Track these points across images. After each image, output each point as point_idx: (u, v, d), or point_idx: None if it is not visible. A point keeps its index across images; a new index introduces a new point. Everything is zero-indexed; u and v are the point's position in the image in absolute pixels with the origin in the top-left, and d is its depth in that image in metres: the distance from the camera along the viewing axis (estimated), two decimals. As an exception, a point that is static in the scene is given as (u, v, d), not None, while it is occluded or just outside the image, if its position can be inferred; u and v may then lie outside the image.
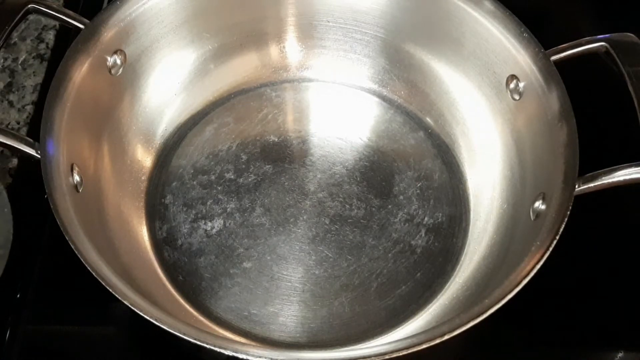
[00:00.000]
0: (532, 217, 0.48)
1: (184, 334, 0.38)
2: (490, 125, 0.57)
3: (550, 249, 0.43)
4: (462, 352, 0.50)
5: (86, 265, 0.41)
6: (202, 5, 0.58)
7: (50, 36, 0.62)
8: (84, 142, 0.50)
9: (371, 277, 0.52)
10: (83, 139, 0.50)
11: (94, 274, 0.41)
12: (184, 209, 0.55)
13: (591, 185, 0.45)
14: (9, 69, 0.60)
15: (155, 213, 0.55)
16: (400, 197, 0.56)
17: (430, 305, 0.51)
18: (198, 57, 0.60)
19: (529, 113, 0.52)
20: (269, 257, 0.53)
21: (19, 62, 0.60)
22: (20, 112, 0.57)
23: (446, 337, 0.39)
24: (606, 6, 0.69)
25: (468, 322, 0.39)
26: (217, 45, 0.60)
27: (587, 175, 0.45)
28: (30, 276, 0.53)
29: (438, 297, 0.52)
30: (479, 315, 0.40)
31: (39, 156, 0.45)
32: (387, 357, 0.38)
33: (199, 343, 0.38)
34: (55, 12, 0.52)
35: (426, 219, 0.55)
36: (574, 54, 0.51)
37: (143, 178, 0.56)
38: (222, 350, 0.38)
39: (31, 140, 0.46)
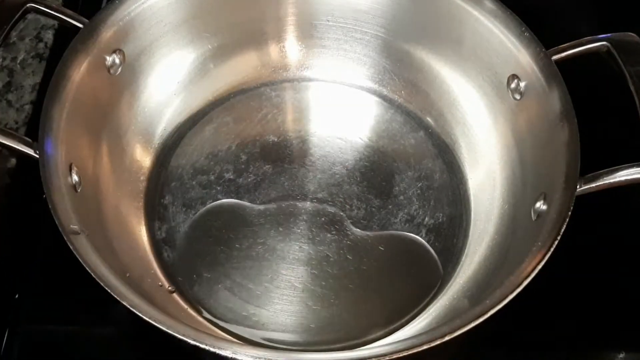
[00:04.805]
0: (533, 218, 0.48)
1: (183, 335, 0.38)
2: (491, 125, 0.56)
3: (552, 249, 0.42)
4: (463, 353, 0.50)
5: (85, 266, 0.41)
6: (201, 5, 0.58)
7: (49, 35, 0.62)
8: (82, 142, 0.50)
9: (371, 278, 0.52)
10: (82, 138, 0.50)
11: (92, 274, 0.41)
12: (184, 209, 0.55)
13: (592, 185, 0.45)
14: (8, 69, 0.60)
15: (154, 213, 0.55)
16: (400, 197, 0.56)
17: (431, 305, 0.51)
18: (198, 57, 0.60)
19: (530, 113, 0.52)
20: (269, 258, 0.53)
21: (18, 61, 0.60)
22: (19, 112, 0.57)
23: (447, 337, 0.39)
24: (607, 6, 0.69)
25: (469, 323, 0.39)
26: (216, 45, 0.60)
27: (589, 175, 0.45)
28: (30, 276, 0.52)
29: (438, 297, 0.51)
30: (479, 316, 0.40)
31: (38, 156, 0.45)
32: (387, 358, 0.38)
33: (197, 344, 0.38)
34: (54, 11, 0.52)
35: (426, 219, 0.55)
36: (575, 53, 0.51)
37: (142, 178, 0.56)
38: (222, 352, 0.38)
39: (30, 140, 0.46)
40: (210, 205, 0.55)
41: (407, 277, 0.53)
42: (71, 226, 0.43)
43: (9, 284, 0.52)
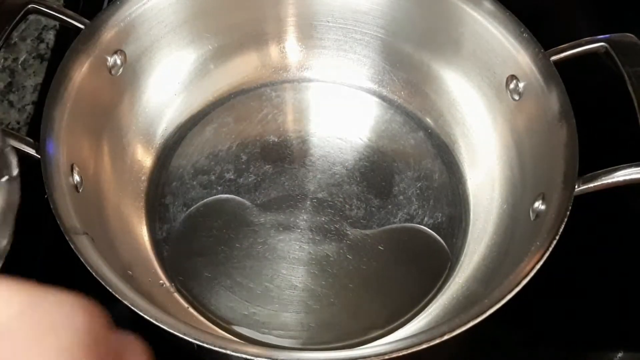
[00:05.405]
0: (531, 217, 0.48)
1: (184, 334, 0.38)
2: (490, 125, 0.57)
3: (550, 249, 0.43)
4: (462, 352, 0.50)
5: (86, 265, 0.41)
6: (202, 6, 0.58)
7: (50, 36, 0.62)
8: (84, 142, 0.50)
9: (371, 277, 0.52)
10: (83, 139, 0.50)
11: (94, 273, 0.41)
12: (184, 209, 0.55)
13: (591, 185, 0.45)
14: (9, 69, 0.60)
15: (155, 213, 0.55)
16: (400, 197, 0.56)
17: (430, 305, 0.51)
18: (198, 57, 0.60)
19: (529, 113, 0.52)
20: (269, 257, 0.53)
21: (19, 62, 0.60)
22: (21, 112, 0.57)
23: (446, 337, 0.39)
24: (606, 6, 0.69)
25: (468, 322, 0.39)
26: (217, 45, 0.60)
27: (587, 175, 0.45)
28: (31, 276, 0.53)
29: (438, 297, 0.52)
30: (478, 315, 0.40)
31: (39, 156, 0.45)
32: (387, 357, 0.38)
33: (198, 343, 0.38)
34: (55, 12, 0.52)
35: (426, 219, 0.55)
36: (573, 54, 0.51)
37: (143, 178, 0.56)
38: (222, 350, 0.38)
39: (31, 140, 0.46)
40: (211, 203, 0.56)
41: (408, 276, 0.53)
42: (73, 226, 0.43)
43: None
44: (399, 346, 0.39)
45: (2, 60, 0.60)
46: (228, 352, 0.38)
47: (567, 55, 0.51)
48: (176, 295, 0.51)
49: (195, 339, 0.38)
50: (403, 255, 0.54)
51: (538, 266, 0.42)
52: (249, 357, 0.38)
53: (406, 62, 0.61)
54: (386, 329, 0.50)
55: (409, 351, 0.38)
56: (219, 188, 0.56)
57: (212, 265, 0.52)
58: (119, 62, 0.54)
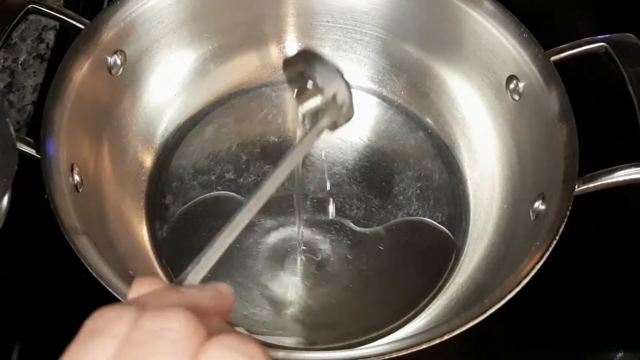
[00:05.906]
0: (531, 217, 0.48)
1: (184, 334, 0.38)
2: (490, 125, 0.57)
3: (550, 249, 0.43)
4: (462, 352, 0.50)
5: (86, 265, 0.41)
6: (202, 6, 0.58)
7: (50, 36, 0.62)
8: (84, 142, 0.50)
9: (371, 277, 0.52)
10: (83, 139, 0.50)
11: (94, 274, 0.41)
12: (184, 209, 0.55)
13: (591, 185, 0.45)
14: (9, 69, 0.60)
15: (155, 213, 0.55)
16: (400, 197, 0.56)
17: (431, 305, 0.51)
18: (198, 57, 0.60)
19: (529, 113, 0.52)
20: (269, 257, 0.53)
21: (19, 62, 0.60)
22: (21, 112, 0.57)
23: (446, 337, 0.39)
24: (606, 6, 0.69)
25: (468, 322, 0.39)
26: (217, 46, 0.60)
27: (587, 175, 0.45)
28: (31, 276, 0.53)
29: (438, 297, 0.52)
30: (478, 315, 0.40)
31: (39, 156, 0.45)
32: (387, 357, 0.38)
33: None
34: (55, 12, 0.52)
35: (426, 219, 0.55)
36: (573, 54, 0.51)
37: (143, 178, 0.56)
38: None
39: (31, 140, 0.46)
40: (211, 203, 0.56)
41: (408, 276, 0.53)
42: (73, 226, 0.43)
43: (10, 284, 0.52)
44: (399, 346, 0.39)
45: (2, 60, 0.60)
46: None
47: (567, 55, 0.51)
48: (176, 295, 0.51)
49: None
50: (404, 254, 0.54)
51: (538, 266, 0.42)
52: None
53: (406, 62, 0.61)
54: (386, 329, 0.50)
55: (409, 351, 0.38)
56: (219, 188, 0.56)
57: (212, 266, 0.52)
58: (119, 62, 0.54)
